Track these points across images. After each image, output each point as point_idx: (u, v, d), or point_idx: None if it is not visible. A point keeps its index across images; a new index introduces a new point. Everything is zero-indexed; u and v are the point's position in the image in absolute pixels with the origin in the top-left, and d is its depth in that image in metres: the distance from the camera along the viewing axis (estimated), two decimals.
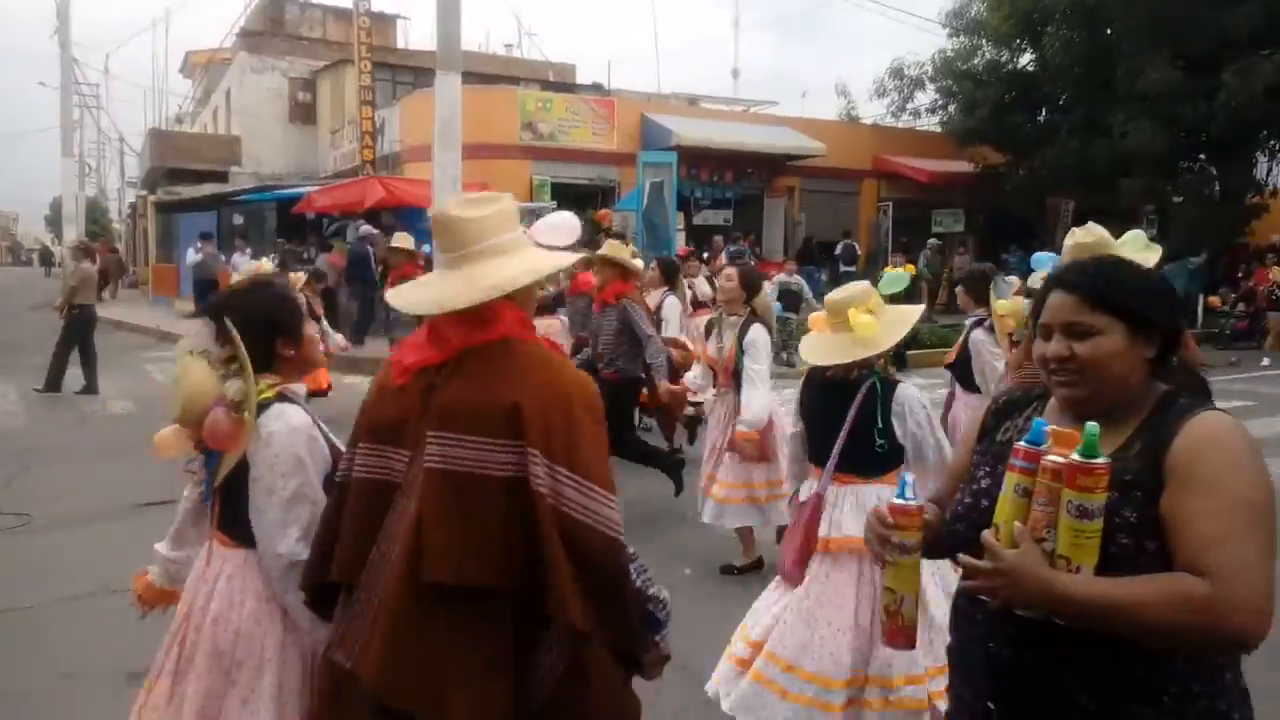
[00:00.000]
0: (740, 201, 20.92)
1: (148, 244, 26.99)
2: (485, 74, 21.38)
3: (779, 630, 3.08)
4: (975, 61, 20.05)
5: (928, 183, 21.27)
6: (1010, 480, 1.45)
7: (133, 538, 5.28)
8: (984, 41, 19.95)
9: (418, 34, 61.14)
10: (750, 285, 4.85)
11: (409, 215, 15.43)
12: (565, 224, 4.86)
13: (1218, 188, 18.47)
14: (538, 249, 1.88)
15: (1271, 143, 18.11)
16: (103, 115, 39.77)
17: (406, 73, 22.63)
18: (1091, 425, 1.37)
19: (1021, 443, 1.45)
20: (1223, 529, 1.36)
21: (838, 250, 19.94)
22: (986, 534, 1.45)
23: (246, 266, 6.47)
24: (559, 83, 23.10)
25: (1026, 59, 19.95)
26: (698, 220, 19.80)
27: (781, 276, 13.38)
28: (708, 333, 5.15)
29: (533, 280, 1.79)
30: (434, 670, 1.62)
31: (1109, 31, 17.11)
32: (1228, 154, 17.76)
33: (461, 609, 1.64)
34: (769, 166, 20.64)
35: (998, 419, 1.71)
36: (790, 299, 12.91)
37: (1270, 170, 19.17)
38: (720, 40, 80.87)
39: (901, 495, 1.61)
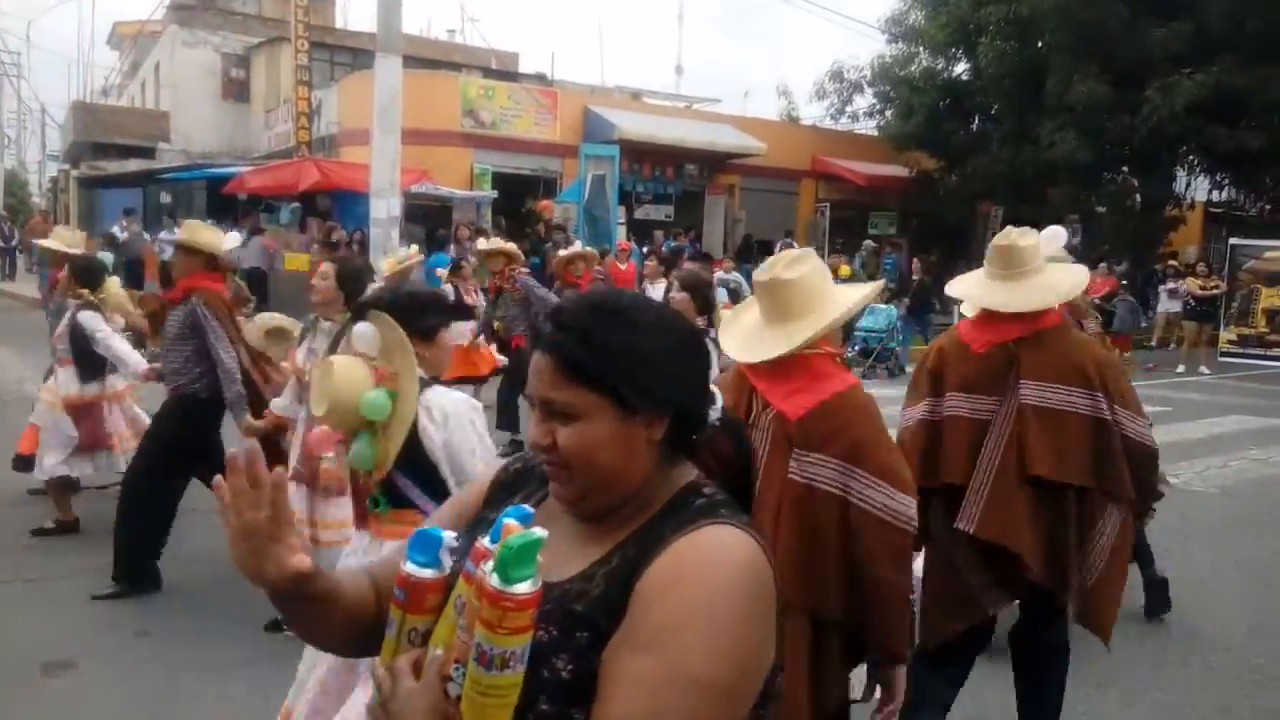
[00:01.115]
0: (681, 197, 21.02)
1: (69, 220, 25.97)
2: (426, 59, 21.08)
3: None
4: (912, 68, 20.49)
5: (865, 185, 21.66)
6: (458, 587, 1.02)
7: (29, 522, 5.14)
8: (921, 49, 20.39)
9: (357, 14, 60.08)
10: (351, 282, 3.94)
11: (346, 199, 15.16)
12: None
13: (1139, 199, 19.21)
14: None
15: (1190, 158, 18.88)
16: (23, 85, 38.16)
17: (345, 53, 22.17)
18: (529, 534, 0.95)
19: (483, 540, 1.01)
20: (640, 711, 0.94)
21: (777, 249, 20.12)
22: (376, 662, 1.08)
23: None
24: (502, 71, 22.89)
25: (961, 68, 20.46)
26: (639, 215, 19.83)
27: (720, 274, 13.52)
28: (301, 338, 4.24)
29: (1075, 291, 2.82)
30: (1019, 523, 2.63)
31: (1040, 45, 17.63)
32: (1149, 167, 18.47)
33: (1043, 496, 2.65)
34: (710, 163, 20.77)
35: (505, 492, 1.26)
36: (730, 297, 13.05)
37: (1188, 184, 20.01)
38: (664, 35, 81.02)
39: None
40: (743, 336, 2.18)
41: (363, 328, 2.34)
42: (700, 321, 4.14)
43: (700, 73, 69.81)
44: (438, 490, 2.30)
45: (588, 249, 7.82)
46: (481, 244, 7.58)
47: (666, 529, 1.05)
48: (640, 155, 19.35)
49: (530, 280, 7.08)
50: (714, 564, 1.00)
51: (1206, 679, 3.84)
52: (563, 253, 7.48)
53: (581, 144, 17.90)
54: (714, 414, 1.18)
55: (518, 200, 17.59)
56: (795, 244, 20.72)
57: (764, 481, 2.00)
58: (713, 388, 1.20)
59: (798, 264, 2.12)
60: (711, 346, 5.46)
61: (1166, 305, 15.04)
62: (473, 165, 17.85)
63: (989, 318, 2.79)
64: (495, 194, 16.95)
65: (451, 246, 12.23)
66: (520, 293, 7.00)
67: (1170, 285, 14.82)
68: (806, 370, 2.08)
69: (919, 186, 21.45)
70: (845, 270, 13.60)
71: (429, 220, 15.87)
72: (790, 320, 2.08)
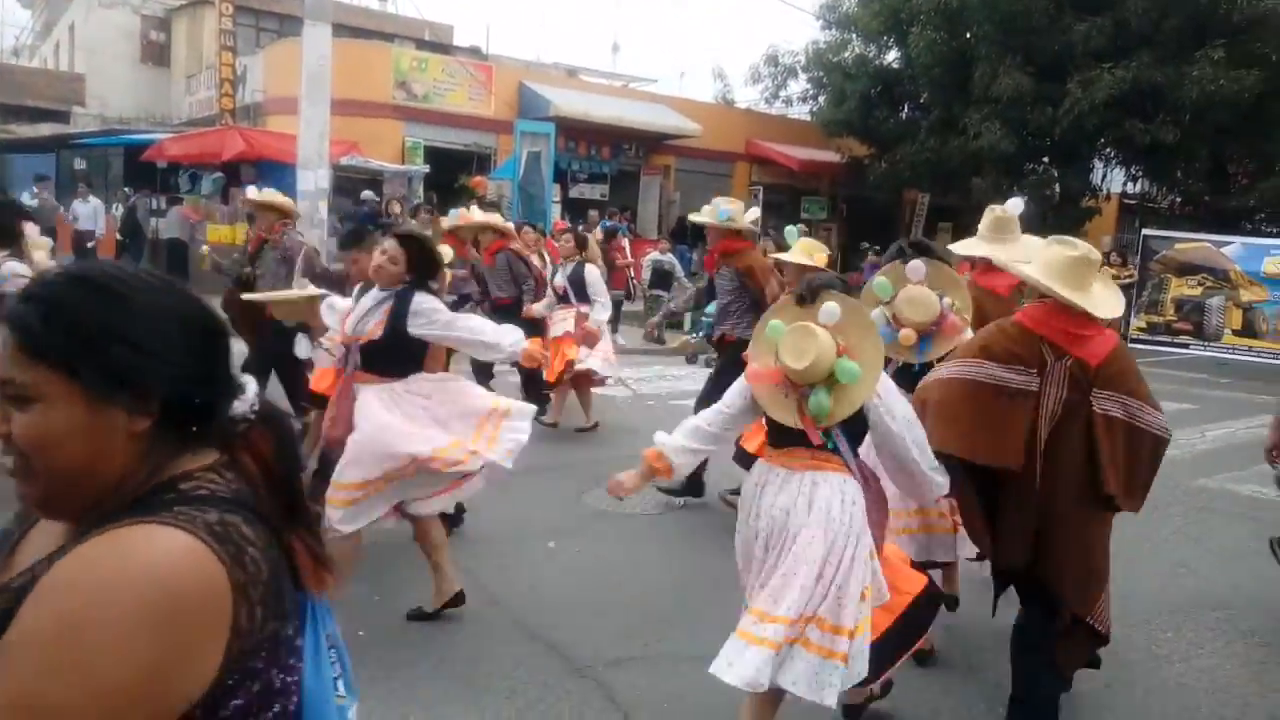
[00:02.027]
0: (617, 177, 21.01)
1: None
2: (357, 28, 20.63)
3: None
4: (845, 55, 20.76)
5: (797, 170, 21.95)
6: None
7: None
8: (855, 36, 20.66)
9: None
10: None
11: (271, 170, 14.76)
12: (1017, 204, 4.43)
13: (1058, 189, 19.85)
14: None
15: (1107, 150, 19.56)
16: None
17: (271, 19, 21.53)
18: None
19: None
20: None
21: None
22: None
23: None
24: (435, 43, 22.51)
25: (893, 56, 20.79)
26: (574, 193, 19.78)
27: (655, 255, 13.60)
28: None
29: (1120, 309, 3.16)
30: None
31: (968, 36, 18.03)
32: (1069, 158, 19.08)
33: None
34: (646, 143, 20.79)
35: None
36: (662, 278, 13.15)
37: (1105, 176, 20.75)
38: (601, 13, 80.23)
39: None
40: (1091, 299, 2.91)
41: (830, 307, 2.72)
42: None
43: (637, 52, 69.48)
44: (856, 440, 2.86)
45: (497, 219, 7.63)
46: (251, 193, 6.54)
47: (92, 530, 0.92)
48: (576, 133, 19.27)
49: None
50: (103, 570, 0.86)
51: (1112, 653, 4.06)
52: (463, 220, 7.18)
53: (517, 120, 17.75)
54: (243, 406, 1.06)
55: (450, 175, 17.37)
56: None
57: (1067, 412, 2.88)
58: (240, 377, 1.08)
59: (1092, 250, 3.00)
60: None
61: None
62: (404, 138, 17.57)
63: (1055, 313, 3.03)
64: (427, 168, 16.71)
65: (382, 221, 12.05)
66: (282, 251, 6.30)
67: None
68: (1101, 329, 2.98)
69: (850, 172, 21.81)
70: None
71: (358, 193, 15.58)
72: (1097, 295, 2.96)
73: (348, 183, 15.28)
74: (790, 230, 5.33)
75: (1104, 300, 2.97)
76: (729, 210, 5.74)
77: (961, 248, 4.18)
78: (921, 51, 18.01)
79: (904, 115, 20.91)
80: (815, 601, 2.65)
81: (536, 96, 18.65)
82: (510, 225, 7.93)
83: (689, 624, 4.05)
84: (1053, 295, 2.91)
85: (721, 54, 68.53)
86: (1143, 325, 13.86)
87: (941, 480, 2.87)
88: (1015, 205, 4.05)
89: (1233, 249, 13.22)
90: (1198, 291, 13.30)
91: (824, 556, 2.68)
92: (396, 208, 12.70)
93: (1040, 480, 2.90)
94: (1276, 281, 12.49)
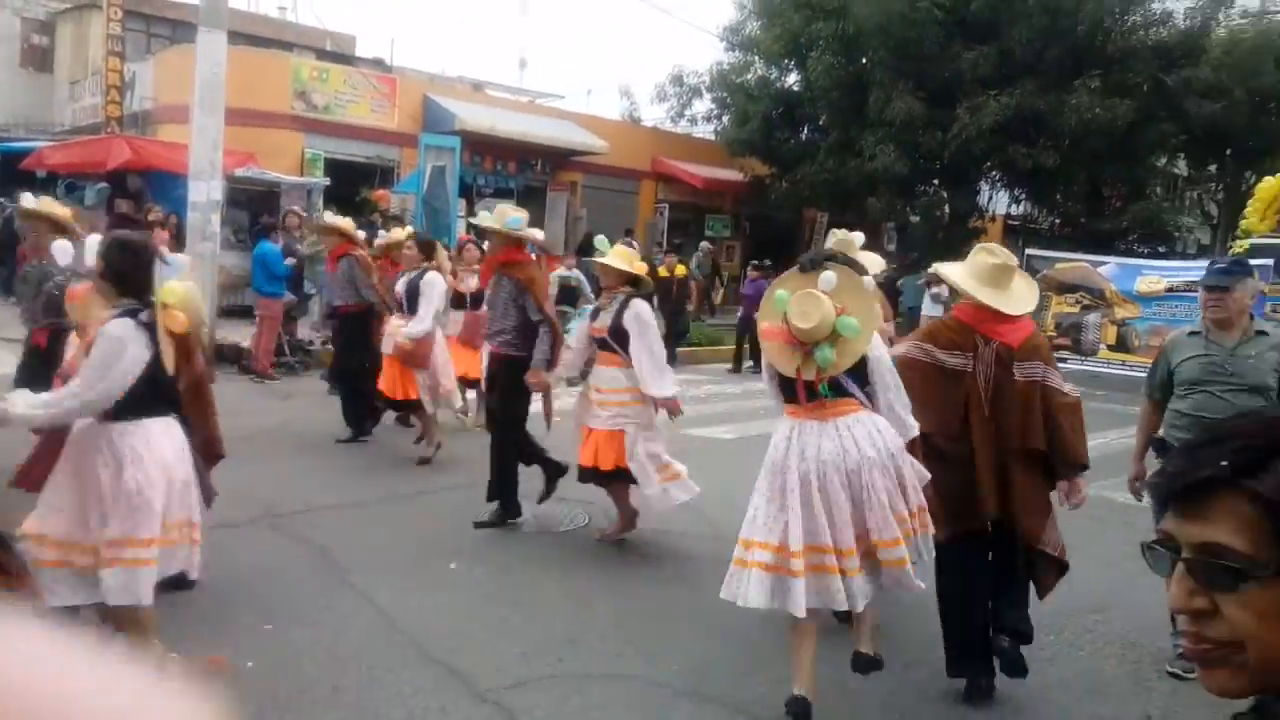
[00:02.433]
0: (524, 192, 20.91)
1: None
2: (254, 36, 20.04)
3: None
4: (748, 76, 21.24)
5: (702, 188, 22.29)
6: None
7: None
8: (757, 59, 21.17)
9: None
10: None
11: (160, 180, 14.20)
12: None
13: (948, 210, 20.71)
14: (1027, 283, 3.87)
15: (993, 173, 20.51)
16: None
17: (163, 24, 20.74)
18: None
19: None
20: None
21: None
22: None
23: None
24: (337, 53, 22.05)
25: (793, 79, 21.36)
26: (480, 208, 19.60)
27: (561, 271, 13.57)
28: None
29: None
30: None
31: (864, 61, 18.68)
32: (957, 180, 19.94)
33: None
34: (553, 160, 20.79)
35: None
36: (568, 294, 13.12)
37: (991, 197, 21.75)
38: (508, 28, 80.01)
39: None
40: (1001, 299, 3.59)
41: (828, 275, 3.25)
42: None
43: (544, 68, 69.43)
44: (863, 384, 3.39)
45: (342, 222, 7.58)
46: (27, 201, 5.68)
47: None
48: (482, 148, 19.14)
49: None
50: None
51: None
52: (382, 239, 7.32)
53: (421, 133, 17.51)
54: None
55: (352, 188, 17.01)
56: (635, 243, 21.12)
57: (997, 385, 3.58)
58: None
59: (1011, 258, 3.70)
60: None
61: (930, 309, 15.43)
62: (304, 150, 17.13)
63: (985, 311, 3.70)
64: (328, 181, 16.32)
65: (279, 234, 11.70)
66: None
67: (934, 290, 15.64)
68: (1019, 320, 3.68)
69: (753, 191, 22.28)
70: (681, 270, 13.95)
71: (254, 206, 15.12)
72: (1015, 291, 3.68)
73: (243, 195, 14.81)
74: (600, 239, 5.52)
75: (1020, 298, 3.69)
76: (518, 218, 5.57)
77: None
78: (820, 75, 18.56)
79: (804, 136, 21.49)
80: (883, 525, 3.27)
81: (442, 110, 18.45)
82: (354, 230, 7.75)
83: (593, 643, 4.05)
84: (968, 297, 3.62)
85: (628, 72, 69.16)
86: None
87: (912, 423, 3.47)
88: (858, 237, 4.59)
89: (1108, 269, 14.00)
90: (1076, 309, 14.03)
91: (890, 488, 3.30)
92: (295, 220, 12.35)
93: (995, 440, 3.59)
94: (1148, 299, 13.27)
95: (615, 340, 5.06)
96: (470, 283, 8.02)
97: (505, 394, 5.48)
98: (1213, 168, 25.09)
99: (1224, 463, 0.83)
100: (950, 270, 3.86)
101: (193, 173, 10.41)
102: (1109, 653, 4.35)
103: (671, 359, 13.12)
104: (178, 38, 18.65)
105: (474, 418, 7.43)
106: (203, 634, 3.81)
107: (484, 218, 5.74)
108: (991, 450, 3.59)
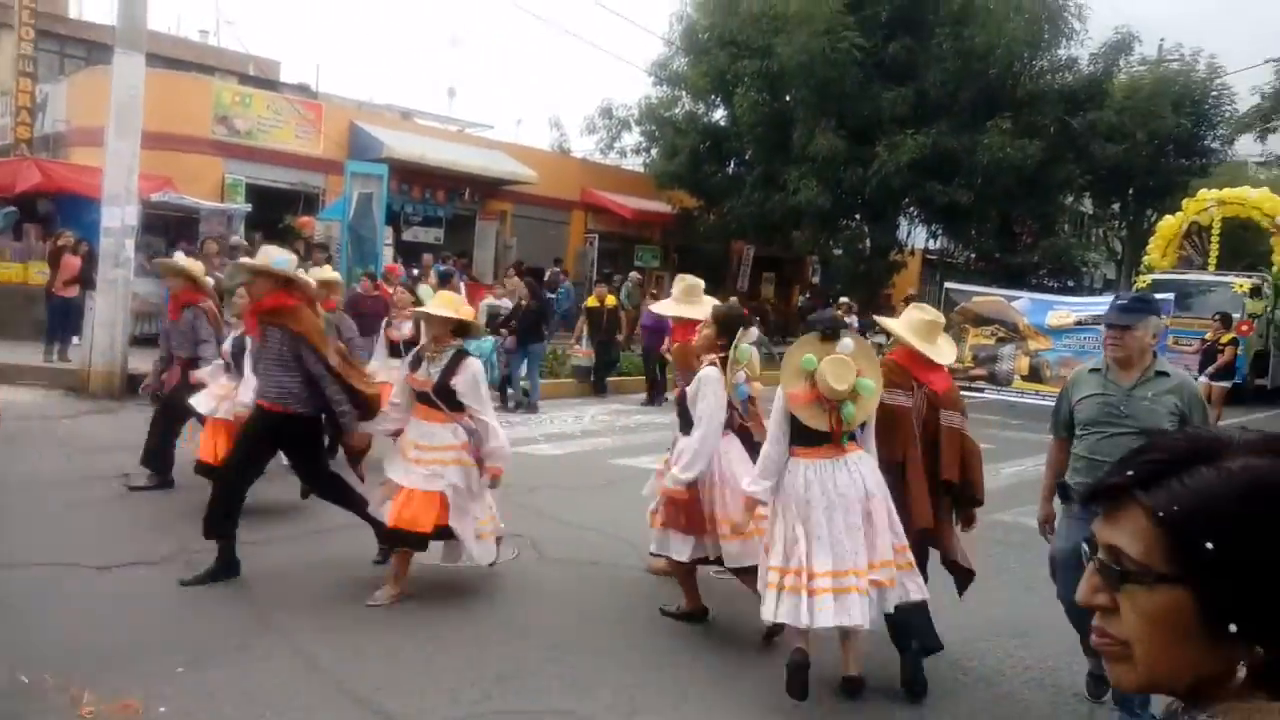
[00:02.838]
0: (452, 221, 20.81)
1: None
2: (174, 59, 19.60)
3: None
4: (676, 111, 21.60)
5: (631, 219, 22.49)
6: None
7: None
8: (684, 94, 21.55)
9: (94, 4, 54.46)
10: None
11: (73, 205, 13.71)
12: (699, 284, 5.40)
13: (869, 243, 21.29)
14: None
15: (911, 209, 21.18)
16: None
17: (78, 45, 20.15)
18: None
19: None
20: None
21: (546, 277, 20.44)
22: None
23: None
24: (260, 78, 21.70)
25: (720, 114, 21.80)
26: (408, 236, 19.41)
27: (490, 300, 13.49)
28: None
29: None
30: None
31: (788, 98, 19.17)
32: (878, 215, 20.53)
33: None
34: (482, 189, 20.74)
35: None
36: (497, 323, 13.02)
37: (909, 232, 22.44)
38: (437, 57, 79.77)
39: None
40: (932, 350, 4.20)
41: (847, 342, 3.94)
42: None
43: (473, 97, 69.38)
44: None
45: (192, 266, 6.99)
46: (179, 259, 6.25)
47: None
48: (410, 176, 18.99)
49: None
50: None
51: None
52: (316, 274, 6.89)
53: (347, 161, 17.30)
54: None
55: (275, 215, 16.68)
56: (564, 273, 21.19)
57: (925, 422, 4.11)
58: None
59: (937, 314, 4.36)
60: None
61: None
62: (224, 175, 16.75)
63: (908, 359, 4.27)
64: (249, 207, 15.98)
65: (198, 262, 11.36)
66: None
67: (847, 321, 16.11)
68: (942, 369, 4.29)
69: (681, 223, 22.57)
70: (611, 300, 14.01)
71: (171, 232, 14.69)
72: (941, 345, 4.31)
73: (159, 220, 14.38)
74: (425, 289, 5.48)
75: (944, 351, 4.32)
76: (284, 259, 5.01)
77: (659, 308, 5.63)
78: (746, 111, 18.97)
79: (730, 170, 21.92)
80: (882, 550, 3.83)
81: (369, 137, 18.27)
82: (203, 276, 7.03)
83: (522, 679, 4.00)
84: (908, 346, 4.19)
85: (558, 104, 69.64)
86: None
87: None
88: (700, 283, 5.27)
89: (1021, 303, 14.53)
90: (991, 341, 14.51)
91: (889, 514, 3.89)
92: (213, 247, 12.02)
93: (926, 468, 4.07)
94: (1058, 333, 13.81)
95: (440, 397, 4.70)
96: (405, 329, 7.80)
97: (303, 456, 5.25)
98: (1116, 206, 26.43)
99: (1129, 473, 0.89)
100: (890, 322, 4.52)
101: (106, 197, 10.08)
102: (1029, 677, 4.45)
103: (601, 388, 13.25)
104: (93, 59, 18.13)
105: None
106: (112, 678, 3.64)
107: (248, 261, 5.18)
108: (924, 477, 4.07)
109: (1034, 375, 13.98)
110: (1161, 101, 21.16)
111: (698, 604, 4.77)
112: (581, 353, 13.53)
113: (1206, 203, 19.78)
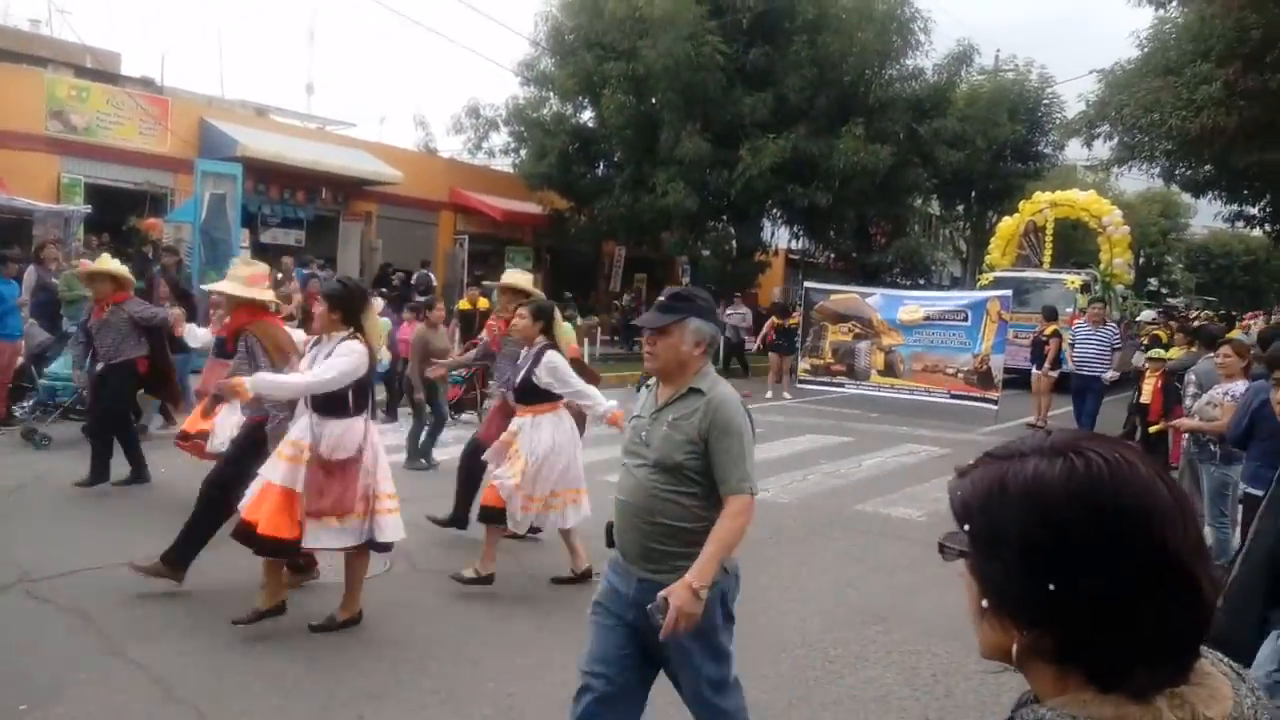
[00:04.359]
0: (314, 222, 20.09)
1: None
2: (2, 49, 18.09)
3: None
4: (544, 112, 21.52)
5: (502, 220, 22.28)
6: None
7: None
8: (552, 95, 21.50)
9: None
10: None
11: None
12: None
13: (735, 244, 21.84)
14: None
15: (774, 211, 21.85)
16: None
17: None
18: None
19: None
20: None
21: (413, 279, 20.06)
22: None
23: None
24: (99, 71, 20.26)
25: (588, 115, 21.86)
26: (265, 238, 18.61)
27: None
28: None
29: None
30: None
31: (654, 101, 19.42)
32: (743, 217, 21.08)
33: None
34: (345, 189, 20.10)
35: None
36: None
37: (773, 233, 23.15)
38: (294, 51, 76.64)
39: None
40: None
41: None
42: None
43: (334, 94, 67.01)
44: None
45: (113, 266, 7.00)
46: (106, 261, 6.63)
47: None
48: (267, 176, 18.23)
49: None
50: None
51: (792, 673, 4.45)
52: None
53: (198, 159, 16.43)
54: None
55: (119, 216, 15.69)
56: (433, 275, 20.81)
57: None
58: None
59: None
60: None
61: None
62: (60, 174, 15.64)
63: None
64: (88, 208, 14.95)
65: (33, 267, 10.58)
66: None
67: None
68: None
69: (552, 224, 22.52)
70: (483, 303, 13.85)
71: (3, 235, 13.59)
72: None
73: None
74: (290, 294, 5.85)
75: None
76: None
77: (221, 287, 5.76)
78: (613, 113, 19.11)
79: (600, 172, 22.01)
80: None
81: (221, 135, 17.41)
82: (127, 274, 7.10)
83: (397, 695, 3.94)
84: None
85: (423, 102, 68.11)
86: (808, 368, 15.48)
87: None
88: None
89: (874, 299, 15.23)
90: (849, 337, 15.16)
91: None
92: (52, 251, 11.19)
93: None
94: (909, 328, 14.56)
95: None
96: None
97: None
98: (961, 208, 28.09)
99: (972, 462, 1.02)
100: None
101: None
102: (890, 661, 4.69)
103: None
104: None
105: None
106: None
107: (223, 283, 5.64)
108: None
109: (889, 370, 14.69)
110: (999, 110, 22.61)
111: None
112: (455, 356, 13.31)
113: (1040, 205, 21.32)
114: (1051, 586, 0.89)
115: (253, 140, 17.57)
